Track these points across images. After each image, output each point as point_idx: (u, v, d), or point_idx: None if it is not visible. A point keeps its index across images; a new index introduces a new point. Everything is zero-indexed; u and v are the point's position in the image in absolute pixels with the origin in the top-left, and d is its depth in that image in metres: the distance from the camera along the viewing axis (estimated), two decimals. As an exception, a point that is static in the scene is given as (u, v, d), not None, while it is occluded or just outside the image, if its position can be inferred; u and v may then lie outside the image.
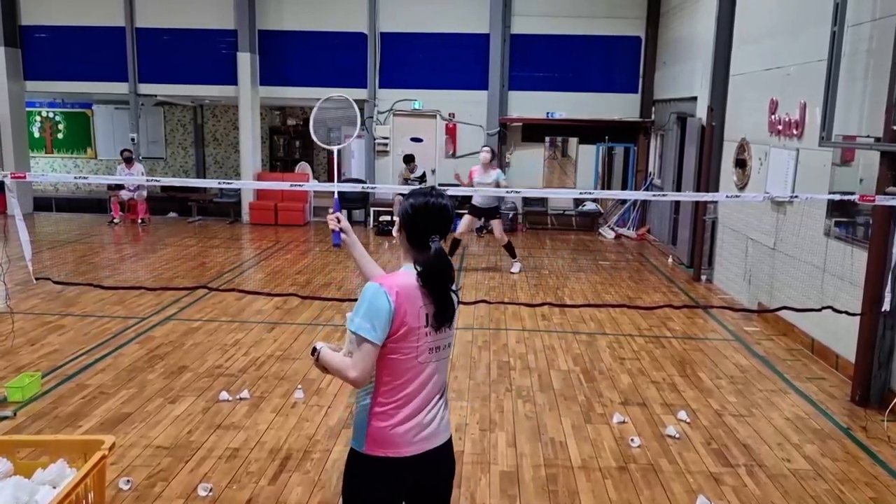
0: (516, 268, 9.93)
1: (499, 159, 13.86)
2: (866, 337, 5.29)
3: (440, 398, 2.45)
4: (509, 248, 9.94)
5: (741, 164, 8.43)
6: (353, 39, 13.84)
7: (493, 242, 12.39)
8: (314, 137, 4.09)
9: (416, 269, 2.33)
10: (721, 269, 9.18)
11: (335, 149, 3.81)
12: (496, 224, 9.99)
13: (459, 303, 2.56)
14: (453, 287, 2.40)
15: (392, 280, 2.32)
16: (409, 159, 13.12)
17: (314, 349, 2.41)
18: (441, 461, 2.48)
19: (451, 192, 7.04)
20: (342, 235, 2.77)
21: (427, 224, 2.34)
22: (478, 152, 13.78)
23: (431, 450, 2.41)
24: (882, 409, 5.17)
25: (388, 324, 2.26)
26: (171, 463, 4.23)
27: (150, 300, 7.80)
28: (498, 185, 9.50)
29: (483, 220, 10.31)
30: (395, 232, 2.28)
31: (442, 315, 2.35)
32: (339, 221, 2.78)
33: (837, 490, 4.11)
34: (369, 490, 2.38)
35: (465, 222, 9.89)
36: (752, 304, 7.93)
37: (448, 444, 2.50)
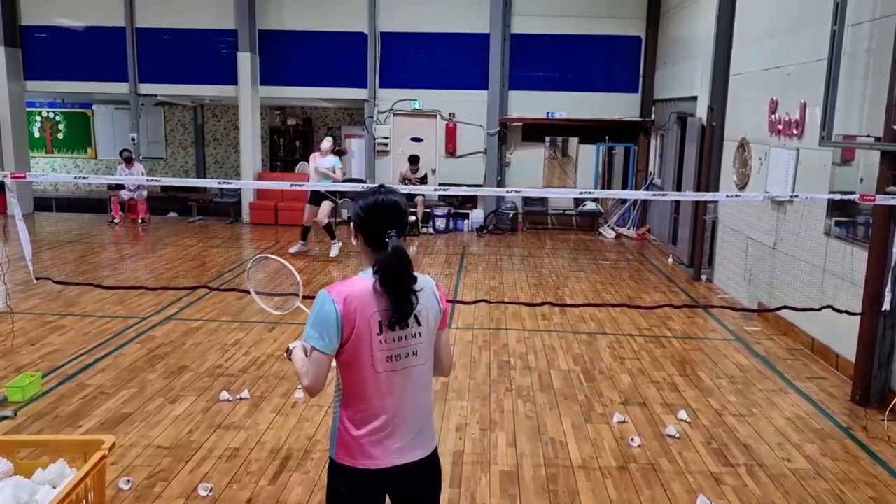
0: (334, 251, 10.53)
1: (501, 160, 13.89)
2: (866, 336, 5.29)
3: (414, 412, 2.35)
4: (328, 230, 10.66)
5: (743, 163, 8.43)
6: (354, 39, 13.84)
7: (493, 242, 12.42)
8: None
9: (373, 270, 2.25)
10: (721, 268, 9.18)
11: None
12: (324, 205, 10.54)
13: (455, 302, 2.54)
14: (415, 287, 2.28)
15: (341, 286, 2.26)
16: (414, 160, 13.13)
17: (287, 348, 2.42)
18: (418, 477, 2.39)
19: (453, 191, 7.05)
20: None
21: (381, 221, 2.27)
22: (478, 152, 13.91)
23: (405, 465, 2.33)
24: (882, 409, 5.17)
25: (336, 332, 2.21)
26: (171, 463, 4.23)
27: (151, 300, 7.80)
28: (333, 171, 10.35)
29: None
30: (352, 239, 2.25)
31: (397, 313, 2.23)
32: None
33: (838, 490, 4.11)
34: (339, 498, 2.35)
35: (307, 211, 10.61)
36: (753, 303, 7.93)
37: (428, 461, 2.40)
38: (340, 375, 2.32)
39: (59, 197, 16.23)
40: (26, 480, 3.14)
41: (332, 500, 2.40)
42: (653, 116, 13.45)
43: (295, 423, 4.83)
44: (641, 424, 4.95)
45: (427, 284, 2.38)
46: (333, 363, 2.30)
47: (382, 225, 2.27)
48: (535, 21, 13.63)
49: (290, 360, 2.41)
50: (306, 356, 2.30)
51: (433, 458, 2.44)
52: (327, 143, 10.57)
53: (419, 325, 2.31)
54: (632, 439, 4.66)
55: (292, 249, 10.71)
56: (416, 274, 2.32)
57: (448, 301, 2.55)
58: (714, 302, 8.42)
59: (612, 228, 13.58)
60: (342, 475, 2.33)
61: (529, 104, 13.79)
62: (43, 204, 15.38)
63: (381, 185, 2.43)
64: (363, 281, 2.27)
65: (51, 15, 14.11)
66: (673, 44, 12.37)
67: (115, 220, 13.49)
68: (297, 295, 3.05)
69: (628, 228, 13.55)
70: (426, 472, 2.42)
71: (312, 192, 10.37)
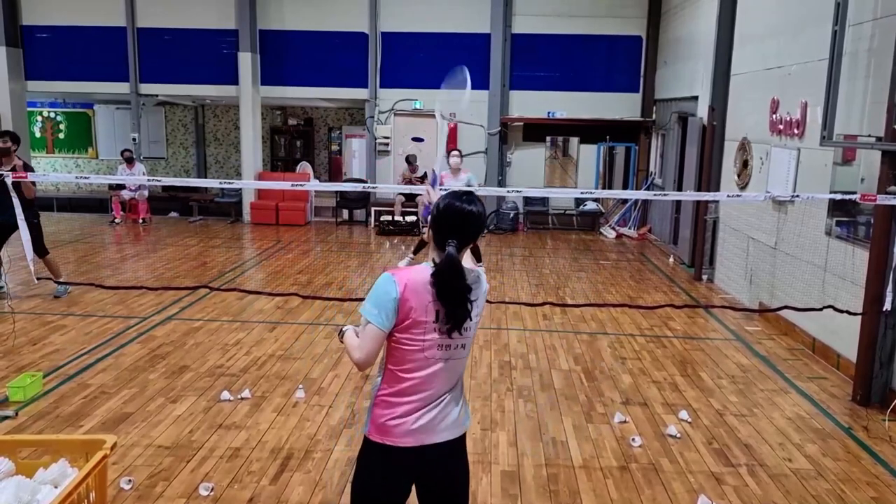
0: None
1: (501, 160, 13.88)
2: (867, 336, 5.29)
3: (448, 397, 2.44)
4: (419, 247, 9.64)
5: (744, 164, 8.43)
6: (354, 39, 13.84)
7: (494, 242, 12.41)
8: None
9: (433, 266, 2.36)
10: (722, 268, 9.18)
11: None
12: None
13: (486, 302, 2.55)
14: (471, 297, 2.36)
15: (405, 272, 2.36)
16: (411, 159, 13.12)
17: (340, 330, 2.51)
18: (446, 458, 2.47)
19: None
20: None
21: (449, 227, 2.35)
22: (479, 152, 13.92)
23: (433, 444, 2.41)
24: (883, 409, 5.17)
25: (393, 312, 2.30)
26: (172, 462, 4.23)
27: (152, 300, 7.80)
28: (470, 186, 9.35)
29: None
30: (423, 230, 2.31)
31: (451, 319, 2.33)
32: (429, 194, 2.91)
33: (839, 490, 4.11)
34: (369, 475, 2.45)
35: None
36: (753, 303, 7.92)
37: (456, 443, 2.49)
38: (388, 354, 2.40)
39: (61, 197, 16.23)
40: (28, 480, 3.14)
41: (361, 476, 2.48)
42: (654, 116, 13.45)
43: (296, 422, 4.83)
44: (642, 424, 4.95)
45: (481, 284, 2.45)
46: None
47: (449, 231, 2.34)
48: (536, 21, 13.63)
49: (341, 341, 2.51)
50: (358, 337, 2.40)
51: (460, 442, 2.52)
52: (456, 158, 9.56)
53: (470, 319, 2.40)
54: (633, 439, 4.66)
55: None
56: (471, 269, 2.40)
57: None
58: (715, 302, 8.41)
59: (613, 228, 13.58)
60: (372, 453, 2.42)
61: (530, 104, 13.80)
62: (44, 204, 15.24)
63: (467, 192, 2.47)
64: (424, 270, 2.36)
65: (51, 15, 14.11)
66: (674, 43, 12.37)
67: (116, 220, 13.49)
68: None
69: (629, 228, 13.55)
70: (455, 454, 2.50)
71: None
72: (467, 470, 2.60)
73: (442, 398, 2.42)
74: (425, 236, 2.40)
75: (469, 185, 9.18)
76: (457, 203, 2.37)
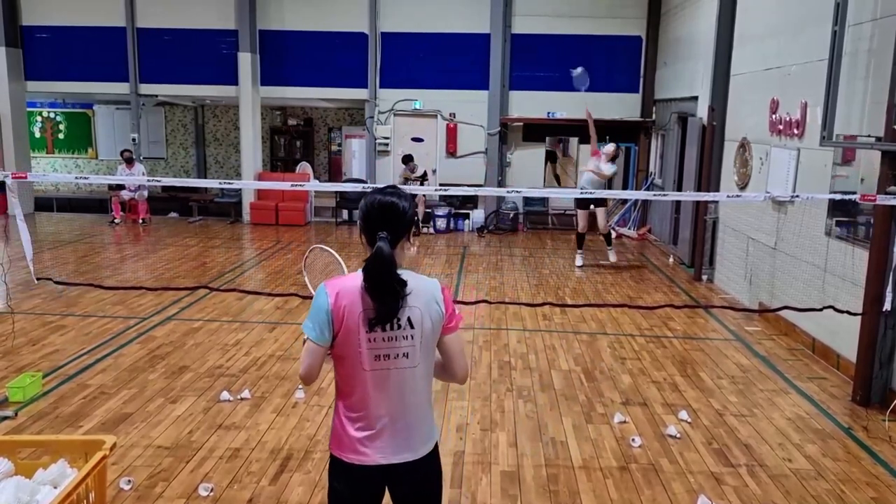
0: (612, 256, 10.24)
1: (501, 160, 13.88)
2: (867, 336, 5.29)
3: (406, 414, 2.33)
4: (607, 238, 10.30)
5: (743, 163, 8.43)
6: (354, 39, 13.84)
7: (494, 242, 12.42)
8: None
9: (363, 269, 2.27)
10: (722, 268, 9.17)
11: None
12: (601, 212, 10.22)
13: (456, 302, 2.50)
14: (406, 292, 2.24)
15: (337, 281, 2.30)
16: (407, 159, 13.12)
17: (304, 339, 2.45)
18: (407, 479, 2.37)
19: (454, 191, 7.04)
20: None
21: (376, 221, 2.28)
22: (478, 152, 13.92)
23: (390, 465, 2.32)
24: (883, 409, 5.17)
25: (327, 324, 2.24)
26: (171, 463, 4.23)
27: (151, 300, 7.80)
28: (601, 173, 9.87)
29: (591, 207, 10.41)
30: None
31: (377, 314, 2.22)
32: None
33: (839, 490, 4.11)
34: (333, 490, 2.41)
35: (579, 217, 10.34)
36: (753, 303, 7.92)
37: (418, 464, 2.36)
38: (334, 369, 2.35)
39: (60, 197, 16.23)
40: (27, 480, 3.14)
41: (330, 490, 2.45)
42: (653, 116, 13.45)
43: (296, 423, 4.83)
44: (642, 424, 4.95)
45: (427, 288, 2.33)
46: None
47: (377, 225, 2.28)
48: (536, 21, 13.63)
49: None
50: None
51: (425, 461, 2.39)
52: (611, 147, 10.00)
53: (412, 327, 2.28)
54: (632, 439, 4.66)
55: (611, 258, 10.27)
56: (418, 276, 2.32)
57: (454, 302, 2.50)
58: (715, 302, 8.41)
59: (613, 228, 13.57)
60: (334, 468, 2.38)
61: (530, 104, 13.79)
62: (44, 204, 15.38)
63: (389, 186, 2.42)
64: (355, 277, 2.29)
65: (51, 15, 14.11)
66: (673, 44, 12.36)
67: (116, 221, 13.49)
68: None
69: (629, 228, 13.54)
70: (417, 475, 2.39)
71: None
72: (435, 489, 2.48)
73: (395, 416, 2.31)
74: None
75: (600, 172, 9.76)
76: (379, 197, 2.31)
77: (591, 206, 10.37)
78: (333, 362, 2.34)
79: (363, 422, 2.31)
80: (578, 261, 10.33)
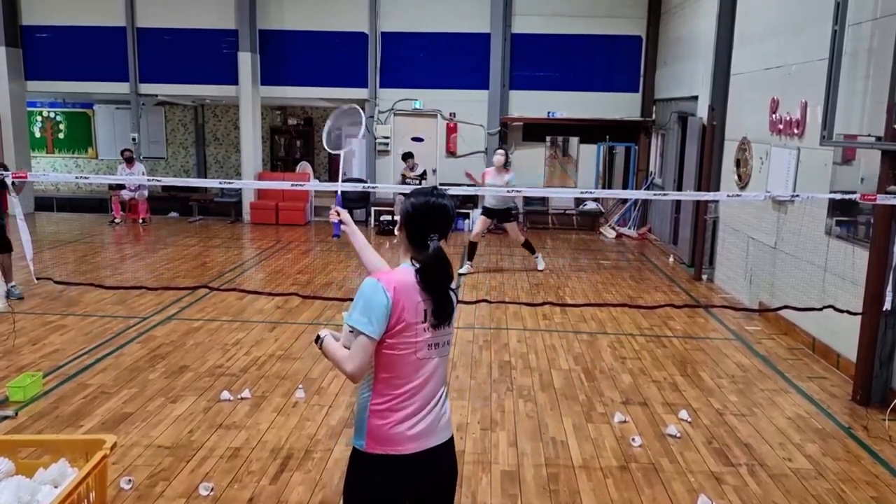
0: (541, 264, 9.95)
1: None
2: (867, 336, 5.29)
3: (441, 395, 2.46)
4: (527, 246, 9.97)
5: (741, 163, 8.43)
6: (354, 39, 13.84)
7: (494, 242, 12.41)
8: (325, 144, 4.01)
9: (414, 265, 2.36)
10: (722, 268, 9.17)
11: (341, 152, 3.86)
12: (510, 226, 9.96)
13: (458, 302, 2.58)
14: (452, 286, 2.41)
15: (390, 276, 2.34)
16: (407, 156, 13.12)
17: (318, 337, 2.45)
18: (442, 459, 2.47)
19: (453, 191, 7.04)
20: (342, 227, 2.95)
21: (427, 223, 2.36)
22: (478, 152, 13.92)
23: (432, 448, 2.40)
24: (883, 409, 5.17)
25: (385, 318, 2.27)
26: (172, 462, 4.23)
27: (152, 300, 7.80)
28: (509, 184, 9.29)
29: (496, 221, 10.25)
30: (396, 230, 2.33)
31: (440, 313, 2.36)
32: (338, 214, 2.97)
33: (839, 489, 4.11)
34: (373, 489, 2.37)
35: (479, 224, 9.94)
36: (753, 303, 7.92)
37: (449, 443, 2.50)
38: (376, 363, 2.34)
39: (60, 197, 16.23)
40: (28, 480, 3.14)
41: (362, 494, 2.39)
42: (653, 116, 13.45)
43: (296, 422, 4.83)
44: (642, 424, 4.95)
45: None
46: None
47: (428, 226, 2.36)
48: (536, 21, 13.63)
49: (320, 348, 2.44)
50: (336, 342, 2.39)
51: (452, 439, 2.53)
52: (500, 157, 9.58)
53: (452, 317, 2.45)
54: (633, 439, 4.66)
55: (539, 266, 9.91)
56: None
57: None
58: (715, 301, 8.41)
59: (613, 228, 13.58)
60: (374, 466, 2.35)
61: (530, 104, 13.79)
62: (44, 204, 15.38)
63: (435, 188, 2.50)
64: (407, 272, 2.35)
65: (51, 15, 14.11)
66: (673, 43, 12.36)
67: (116, 220, 13.49)
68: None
69: (629, 228, 13.54)
70: (449, 453, 2.50)
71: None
72: (457, 467, 2.62)
73: (437, 398, 2.43)
74: (397, 238, 2.46)
75: (509, 184, 9.19)
76: (432, 199, 2.39)
77: (495, 222, 10.09)
78: (375, 356, 2.33)
79: (408, 410, 2.35)
80: (464, 269, 9.68)
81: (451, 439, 2.52)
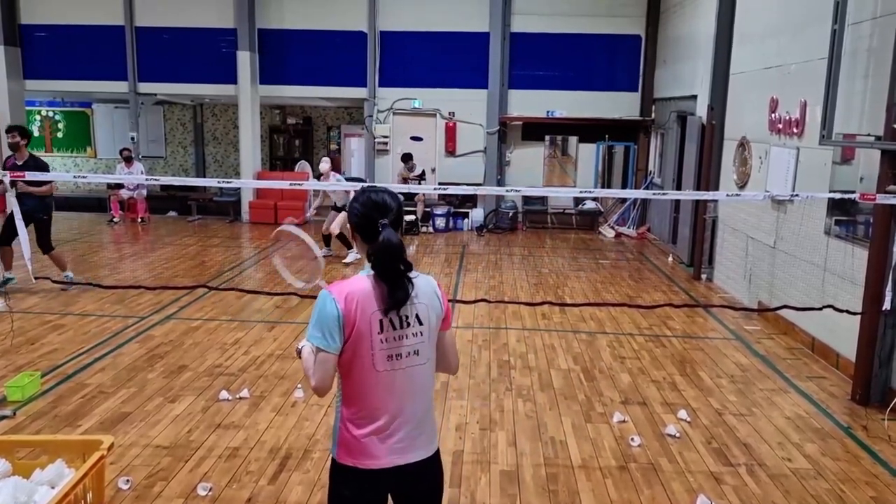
0: (350, 257, 10.21)
1: (500, 159, 13.87)
2: (867, 336, 5.29)
3: (418, 412, 2.35)
4: (342, 240, 10.31)
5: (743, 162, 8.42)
6: (353, 38, 13.83)
7: (494, 242, 12.42)
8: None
9: (370, 262, 2.28)
10: (721, 267, 9.17)
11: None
12: (340, 216, 10.30)
13: (457, 301, 2.55)
14: (412, 274, 2.28)
15: (342, 286, 2.27)
16: (407, 158, 13.11)
17: (297, 349, 2.41)
18: (420, 478, 2.38)
19: (452, 190, 7.03)
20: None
21: (373, 213, 2.28)
22: (477, 151, 13.92)
23: (406, 465, 2.32)
24: (883, 408, 5.17)
25: (339, 330, 2.22)
26: (170, 462, 4.22)
27: (150, 299, 7.79)
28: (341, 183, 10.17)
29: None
30: (352, 242, 2.28)
31: (391, 299, 2.23)
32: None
33: (838, 489, 4.11)
34: (340, 498, 2.36)
35: (332, 219, 10.50)
36: (753, 303, 7.92)
37: (429, 462, 2.39)
38: (341, 375, 2.32)
39: (59, 196, 16.08)
40: (25, 481, 3.14)
41: (334, 500, 2.40)
42: (653, 115, 13.44)
43: (295, 422, 4.82)
44: (641, 424, 4.94)
45: (428, 283, 2.39)
46: None
47: (376, 216, 2.29)
48: (535, 20, 13.62)
49: (300, 358, 2.40)
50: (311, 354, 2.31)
51: (435, 459, 2.43)
52: (325, 164, 10.36)
53: (420, 323, 2.31)
54: (632, 439, 4.66)
55: (348, 259, 10.34)
56: (416, 271, 2.33)
57: (448, 301, 2.53)
58: (714, 301, 8.41)
59: (612, 227, 13.58)
60: (344, 476, 2.33)
61: (529, 103, 13.79)
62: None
63: (371, 185, 2.47)
64: (362, 280, 2.29)
65: (50, 14, 14.09)
66: (673, 42, 12.36)
67: (115, 220, 13.48)
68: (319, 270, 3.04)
69: (628, 227, 13.54)
70: (428, 473, 2.41)
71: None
72: (441, 488, 2.50)
73: (408, 414, 2.32)
74: (355, 247, 2.18)
75: (339, 181, 10.13)
76: (372, 193, 2.34)
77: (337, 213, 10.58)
78: (340, 369, 2.30)
79: (376, 424, 2.29)
80: (321, 252, 10.15)
81: (434, 458, 2.42)
